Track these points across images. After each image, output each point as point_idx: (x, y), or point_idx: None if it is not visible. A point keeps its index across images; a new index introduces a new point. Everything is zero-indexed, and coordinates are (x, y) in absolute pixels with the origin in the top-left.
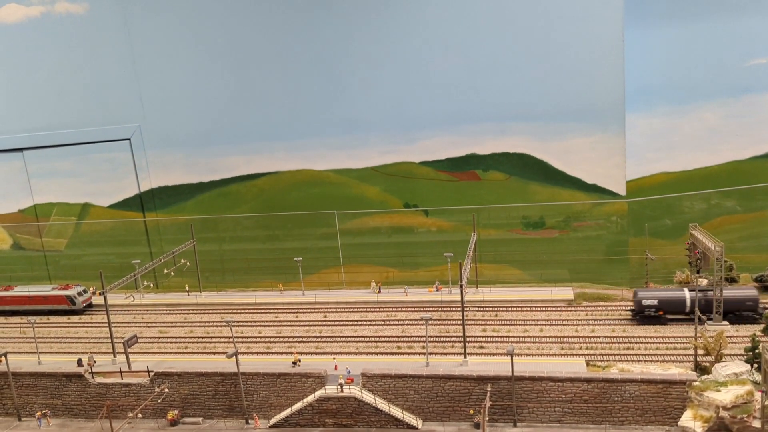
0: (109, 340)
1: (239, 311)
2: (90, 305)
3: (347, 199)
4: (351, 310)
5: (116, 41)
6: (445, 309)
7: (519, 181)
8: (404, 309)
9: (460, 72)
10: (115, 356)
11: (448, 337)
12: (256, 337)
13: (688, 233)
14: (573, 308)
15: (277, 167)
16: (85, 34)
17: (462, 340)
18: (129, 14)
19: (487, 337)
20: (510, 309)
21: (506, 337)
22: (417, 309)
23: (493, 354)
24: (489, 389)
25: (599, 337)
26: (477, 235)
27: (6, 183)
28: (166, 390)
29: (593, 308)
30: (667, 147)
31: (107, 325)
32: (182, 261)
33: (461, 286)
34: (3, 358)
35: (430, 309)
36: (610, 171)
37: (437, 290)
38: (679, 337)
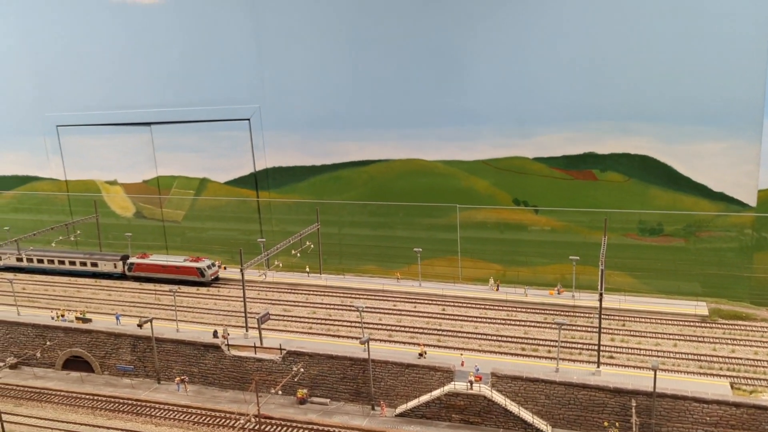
0: (239, 314)
1: (357, 296)
2: (217, 278)
3: (455, 191)
4: (469, 305)
5: (242, 24)
6: (568, 314)
7: (639, 184)
8: (524, 310)
9: (583, 66)
10: (247, 330)
11: (574, 343)
12: (377, 324)
13: None
14: (708, 325)
15: (388, 155)
16: (214, 17)
17: (596, 348)
18: None
19: (616, 347)
20: (638, 320)
21: (636, 349)
22: (538, 311)
23: (625, 365)
24: (634, 404)
25: (741, 358)
26: (606, 239)
27: (134, 155)
28: (302, 369)
29: (731, 327)
30: None
31: (239, 299)
32: (307, 243)
33: (600, 294)
34: (149, 323)
35: (552, 312)
36: (740, 179)
37: (558, 293)
38: None
